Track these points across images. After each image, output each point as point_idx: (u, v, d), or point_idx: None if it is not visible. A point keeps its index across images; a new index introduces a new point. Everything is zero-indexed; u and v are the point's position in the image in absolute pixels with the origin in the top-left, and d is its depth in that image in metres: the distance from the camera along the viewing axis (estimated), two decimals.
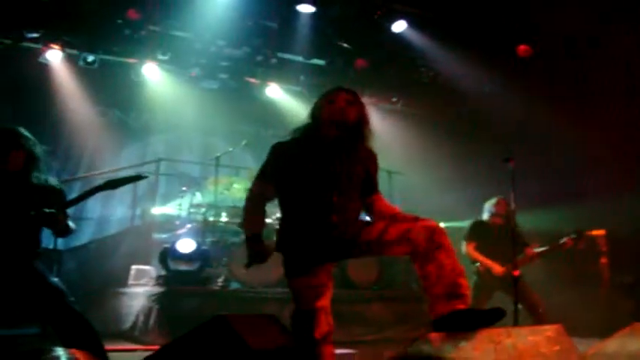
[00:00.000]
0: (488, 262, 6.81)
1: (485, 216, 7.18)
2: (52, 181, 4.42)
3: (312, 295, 3.62)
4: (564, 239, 6.80)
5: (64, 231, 4.21)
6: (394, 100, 12.14)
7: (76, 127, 10.71)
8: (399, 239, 3.48)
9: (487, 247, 6.93)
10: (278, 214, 8.35)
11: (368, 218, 3.91)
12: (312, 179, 3.60)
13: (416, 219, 3.53)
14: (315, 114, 3.81)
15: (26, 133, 4.36)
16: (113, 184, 4.09)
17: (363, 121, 3.79)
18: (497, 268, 6.73)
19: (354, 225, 3.68)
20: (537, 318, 6.41)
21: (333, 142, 3.68)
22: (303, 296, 3.64)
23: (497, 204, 7.09)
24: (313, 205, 3.61)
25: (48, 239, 7.68)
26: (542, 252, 6.89)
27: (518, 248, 6.52)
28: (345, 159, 3.70)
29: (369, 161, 3.88)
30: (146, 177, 4.47)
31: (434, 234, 3.42)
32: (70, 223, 4.23)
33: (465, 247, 6.97)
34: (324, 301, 3.66)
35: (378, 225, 3.66)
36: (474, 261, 6.91)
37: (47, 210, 3.99)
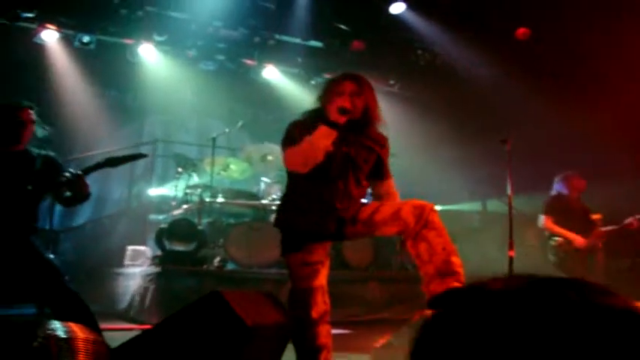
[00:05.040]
0: (570, 235, 6.53)
1: (561, 190, 6.94)
2: (51, 153, 4.43)
3: (308, 273, 3.63)
4: (629, 219, 6.65)
5: (82, 198, 4.20)
6: (391, 82, 12.09)
7: (72, 108, 10.64)
8: (390, 218, 3.53)
9: (564, 222, 6.66)
10: (274, 195, 8.43)
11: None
12: (323, 164, 3.57)
13: (407, 200, 3.57)
14: (322, 102, 3.75)
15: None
16: (114, 162, 4.09)
17: (370, 109, 3.73)
18: (580, 240, 6.48)
19: (355, 206, 3.71)
20: None
21: (342, 131, 3.60)
22: (299, 274, 3.65)
23: (573, 178, 6.86)
24: (320, 187, 3.63)
25: (44, 219, 7.68)
26: (610, 231, 6.67)
27: (589, 225, 6.37)
28: (353, 147, 3.70)
29: (378, 146, 3.86)
30: (146, 155, 4.47)
31: (423, 212, 3.45)
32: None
33: (542, 221, 6.70)
34: (321, 280, 3.67)
35: (371, 205, 3.70)
36: (553, 235, 6.64)
37: (74, 172, 3.98)
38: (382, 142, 3.89)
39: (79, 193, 4.13)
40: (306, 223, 3.64)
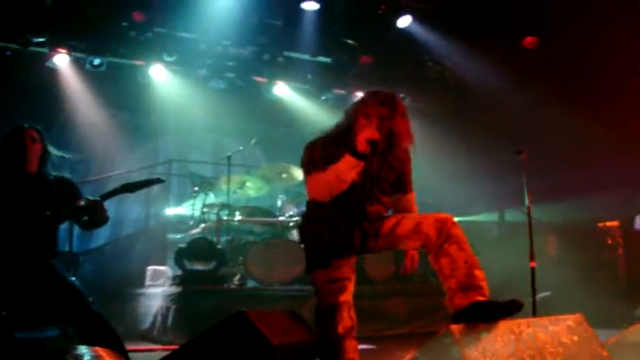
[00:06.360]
0: None
1: None
2: (67, 175, 4.47)
3: (334, 289, 3.66)
4: None
5: (100, 222, 4.25)
6: (402, 96, 12.09)
7: (86, 131, 10.69)
8: (412, 232, 3.53)
9: None
10: (291, 212, 8.45)
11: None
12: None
13: (429, 214, 3.57)
14: (349, 121, 3.68)
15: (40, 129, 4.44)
16: (130, 188, 4.11)
17: (396, 134, 3.64)
18: None
19: (377, 221, 3.71)
20: None
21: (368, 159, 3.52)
22: (326, 290, 3.68)
23: None
24: (344, 205, 3.62)
25: (63, 242, 7.73)
26: None
27: None
28: (375, 166, 3.68)
29: (402, 164, 3.84)
30: (163, 181, 4.49)
31: (444, 226, 3.44)
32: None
33: (637, 224, 6.54)
34: (347, 296, 3.71)
35: (392, 218, 3.70)
36: None
37: (92, 198, 4.03)
38: (404, 157, 3.83)
39: (98, 219, 4.17)
40: (332, 239, 3.66)
